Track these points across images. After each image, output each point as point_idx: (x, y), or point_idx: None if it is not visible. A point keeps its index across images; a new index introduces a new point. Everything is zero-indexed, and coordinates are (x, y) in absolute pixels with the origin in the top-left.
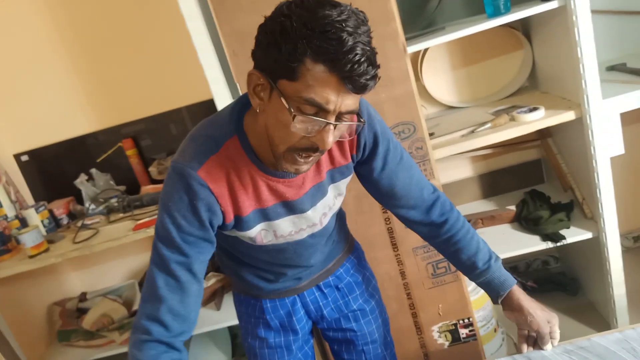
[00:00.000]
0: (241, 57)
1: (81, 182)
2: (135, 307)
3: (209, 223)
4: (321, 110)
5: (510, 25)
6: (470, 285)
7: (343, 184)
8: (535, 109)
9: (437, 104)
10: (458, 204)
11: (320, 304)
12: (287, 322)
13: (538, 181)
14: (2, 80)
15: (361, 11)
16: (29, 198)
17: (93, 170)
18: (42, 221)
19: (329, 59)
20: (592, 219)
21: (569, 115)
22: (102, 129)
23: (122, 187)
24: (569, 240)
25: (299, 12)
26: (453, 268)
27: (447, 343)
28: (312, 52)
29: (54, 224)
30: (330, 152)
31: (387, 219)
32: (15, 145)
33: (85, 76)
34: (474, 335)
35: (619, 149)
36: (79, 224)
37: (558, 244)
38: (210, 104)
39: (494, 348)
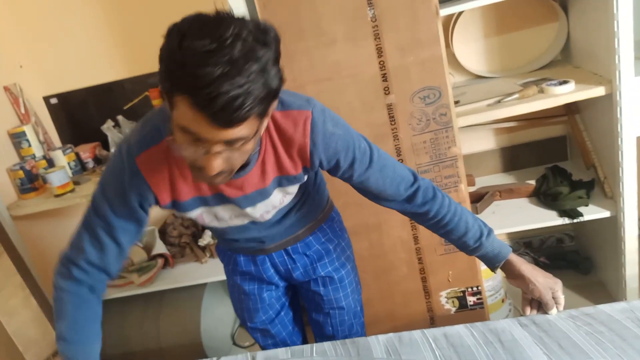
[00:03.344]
0: (270, 9)
1: (108, 127)
2: (155, 252)
3: (139, 206)
4: (200, 139)
5: None
6: None
7: (293, 187)
8: (565, 82)
9: (466, 73)
10: (477, 175)
11: (289, 266)
12: (259, 276)
13: (561, 158)
14: (34, 24)
15: (265, 30)
16: (56, 141)
17: (119, 117)
18: (68, 163)
19: (188, 94)
20: (611, 198)
21: (598, 91)
22: (129, 77)
23: None
24: (587, 217)
25: (172, 38)
26: None
27: (453, 309)
28: (179, 88)
29: (80, 167)
30: (279, 159)
31: None
32: (45, 88)
33: (114, 23)
34: (481, 303)
35: None
36: (104, 168)
37: (575, 220)
38: None
39: (500, 317)
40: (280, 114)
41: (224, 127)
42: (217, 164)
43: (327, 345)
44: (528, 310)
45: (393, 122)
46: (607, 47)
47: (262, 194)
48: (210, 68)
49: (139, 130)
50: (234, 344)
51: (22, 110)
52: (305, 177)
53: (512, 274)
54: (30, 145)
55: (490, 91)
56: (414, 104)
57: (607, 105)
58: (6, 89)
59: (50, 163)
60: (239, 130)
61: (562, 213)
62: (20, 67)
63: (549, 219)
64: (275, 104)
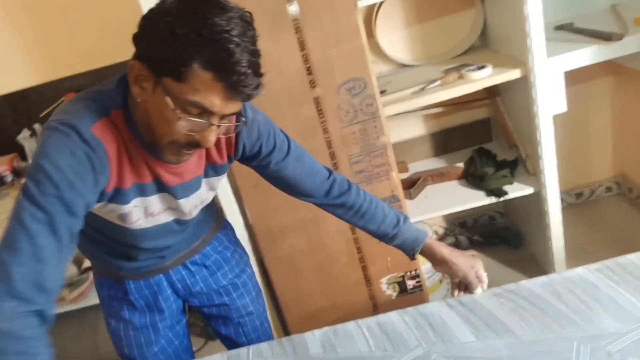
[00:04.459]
0: None
1: (24, 137)
2: (86, 265)
3: (98, 185)
4: (205, 112)
5: None
6: None
7: (216, 181)
8: (482, 67)
9: (391, 62)
10: (410, 162)
11: (188, 282)
12: (153, 301)
13: (486, 140)
14: None
15: (247, 11)
16: None
17: (36, 126)
18: None
19: (217, 69)
20: (534, 175)
21: (514, 74)
22: (44, 82)
23: None
24: (512, 195)
25: (188, 15)
26: None
27: (394, 294)
28: (201, 60)
29: None
30: (208, 148)
31: None
32: None
33: (24, 27)
34: (421, 286)
35: (562, 107)
36: (24, 181)
37: (501, 199)
38: None
39: (440, 297)
40: None
41: (240, 100)
42: (214, 137)
43: (263, 346)
44: (456, 292)
45: (321, 115)
46: (519, 30)
47: (197, 183)
48: (237, 43)
49: (77, 105)
50: None
51: None
52: (227, 170)
53: (435, 260)
54: None
55: (414, 79)
56: (340, 96)
57: (523, 86)
58: None
59: None
60: (240, 105)
61: (489, 192)
62: None
63: (478, 199)
64: None
